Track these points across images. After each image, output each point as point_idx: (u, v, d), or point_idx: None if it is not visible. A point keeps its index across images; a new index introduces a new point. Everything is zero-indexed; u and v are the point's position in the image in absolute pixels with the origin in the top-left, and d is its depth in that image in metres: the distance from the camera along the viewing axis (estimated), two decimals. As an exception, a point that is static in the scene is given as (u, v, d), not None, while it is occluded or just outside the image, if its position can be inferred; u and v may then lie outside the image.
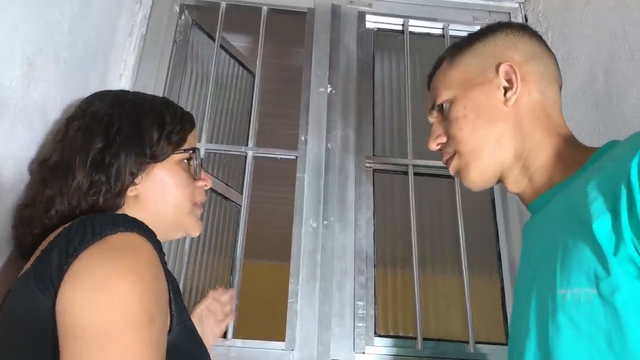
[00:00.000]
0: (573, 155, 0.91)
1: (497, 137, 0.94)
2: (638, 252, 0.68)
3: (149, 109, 1.01)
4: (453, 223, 1.63)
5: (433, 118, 1.04)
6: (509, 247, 1.60)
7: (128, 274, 0.76)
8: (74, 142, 0.96)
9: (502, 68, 0.95)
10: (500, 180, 0.98)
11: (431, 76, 1.07)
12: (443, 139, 1.00)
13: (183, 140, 1.03)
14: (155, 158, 0.97)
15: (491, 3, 1.89)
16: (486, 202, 1.70)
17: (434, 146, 1.03)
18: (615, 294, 0.69)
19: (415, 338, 1.45)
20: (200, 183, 1.06)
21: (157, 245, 0.85)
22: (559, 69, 1.01)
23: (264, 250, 3.60)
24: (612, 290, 0.70)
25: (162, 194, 0.99)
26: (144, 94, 1.08)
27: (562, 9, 1.68)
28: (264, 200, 3.66)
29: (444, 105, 1.00)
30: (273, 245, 3.20)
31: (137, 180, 0.96)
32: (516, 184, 0.96)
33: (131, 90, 1.22)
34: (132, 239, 0.81)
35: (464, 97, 0.96)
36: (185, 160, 1.03)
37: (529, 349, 0.83)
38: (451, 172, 1.01)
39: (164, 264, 0.85)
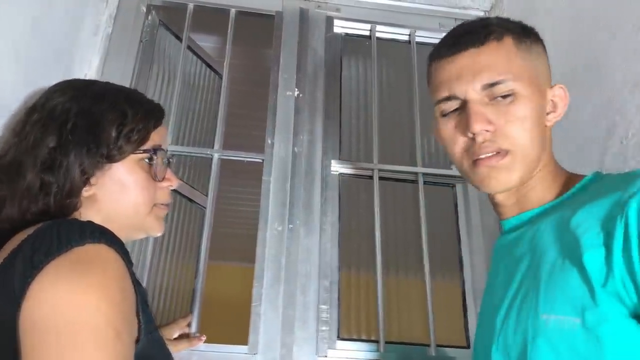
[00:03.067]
0: (560, 179, 0.92)
1: (541, 152, 0.90)
2: (625, 290, 0.69)
3: (109, 105, 0.97)
4: (416, 227, 1.65)
5: (475, 93, 0.88)
6: (471, 251, 1.63)
7: (94, 289, 0.74)
8: (28, 140, 0.93)
9: (558, 90, 0.93)
10: None
11: (484, 38, 0.90)
12: (492, 127, 0.87)
13: (145, 138, 0.99)
14: (112, 157, 0.94)
15: (457, 10, 1.91)
16: (449, 206, 1.73)
17: (478, 128, 0.86)
18: (600, 326, 0.71)
19: (377, 341, 1.46)
20: (164, 184, 1.03)
21: (125, 255, 0.83)
22: None
23: (231, 252, 3.58)
24: (598, 321, 0.71)
25: (120, 195, 0.96)
26: (111, 86, 1.04)
27: (525, 17, 1.71)
28: (232, 201, 3.64)
29: (503, 89, 0.87)
30: (240, 246, 3.19)
31: (92, 181, 0.93)
32: (506, 197, 0.94)
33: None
34: (100, 251, 0.79)
35: (530, 98, 0.88)
36: (147, 160, 1.00)
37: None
38: (486, 167, 0.88)
39: (132, 273, 0.84)
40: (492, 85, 0.88)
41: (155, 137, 1.02)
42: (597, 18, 1.37)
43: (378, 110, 1.78)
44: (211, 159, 1.65)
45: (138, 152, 0.98)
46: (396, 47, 1.97)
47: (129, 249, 0.87)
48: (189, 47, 1.88)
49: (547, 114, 0.91)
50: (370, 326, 1.67)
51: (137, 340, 0.82)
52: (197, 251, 1.56)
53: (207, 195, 1.61)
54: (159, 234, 1.05)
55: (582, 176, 0.90)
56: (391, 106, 1.94)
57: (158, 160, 1.02)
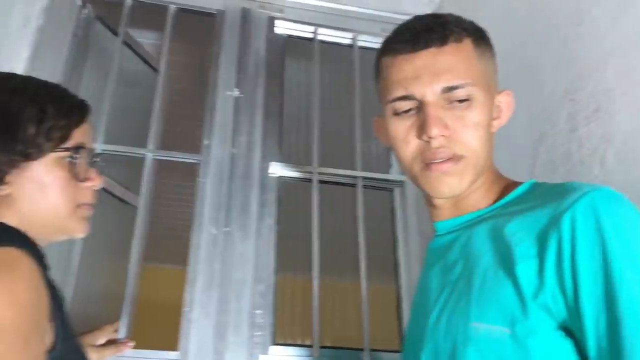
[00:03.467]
0: (497, 186, 0.91)
1: (488, 162, 0.90)
2: (555, 303, 0.70)
3: (29, 100, 0.92)
4: (354, 231, 1.65)
5: (434, 96, 0.85)
6: (407, 255, 1.64)
7: (2, 295, 0.71)
8: None
9: (505, 96, 0.92)
10: None
11: (443, 38, 0.86)
12: (448, 132, 0.84)
13: (66, 136, 0.94)
14: (29, 155, 0.89)
15: (399, 16, 1.92)
16: (386, 211, 1.73)
17: (435, 132, 0.83)
18: (529, 337, 0.71)
19: (312, 346, 1.45)
20: (87, 184, 0.99)
21: (38, 258, 0.79)
22: None
23: (169, 254, 3.51)
24: (527, 333, 0.71)
25: (39, 195, 0.91)
26: (31, 80, 0.99)
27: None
28: (170, 201, 3.57)
29: (461, 94, 0.85)
30: (178, 248, 3.12)
31: (7, 179, 0.88)
32: (444, 200, 0.92)
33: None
34: (9, 254, 0.76)
35: (485, 104, 0.86)
36: (69, 158, 0.95)
37: None
38: (439, 172, 0.86)
39: (47, 278, 0.80)
40: (452, 89, 0.85)
41: (78, 135, 0.97)
42: (531, 28, 1.41)
43: (319, 114, 1.77)
44: (144, 159, 1.59)
45: (59, 150, 0.93)
46: (339, 50, 1.97)
47: (52, 255, 0.83)
48: (125, 43, 1.82)
49: (493, 119, 0.90)
50: (306, 331, 1.66)
51: (53, 348, 0.78)
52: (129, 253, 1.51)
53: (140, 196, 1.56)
54: (83, 235, 1.00)
55: (519, 184, 0.90)
56: (332, 109, 1.93)
57: (81, 159, 0.97)
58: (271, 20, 1.87)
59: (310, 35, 1.91)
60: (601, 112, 1.12)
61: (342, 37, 1.93)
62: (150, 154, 1.60)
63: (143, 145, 1.63)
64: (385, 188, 1.76)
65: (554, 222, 0.72)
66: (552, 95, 1.28)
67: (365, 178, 1.71)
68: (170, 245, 3.45)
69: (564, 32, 1.28)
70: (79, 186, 0.97)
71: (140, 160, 1.62)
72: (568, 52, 1.25)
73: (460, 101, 0.85)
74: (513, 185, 0.91)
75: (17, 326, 0.70)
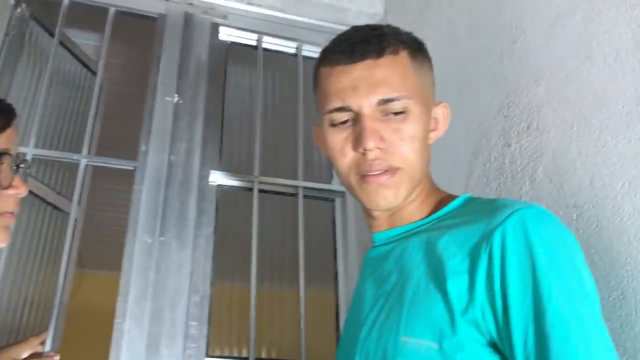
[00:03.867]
0: (433, 198, 0.91)
1: (424, 174, 0.90)
2: (484, 319, 0.70)
3: None
4: (294, 240, 1.64)
5: (370, 108, 0.84)
6: (346, 265, 1.64)
7: None
8: None
9: (442, 108, 0.92)
10: None
11: (380, 50, 0.86)
12: (384, 144, 0.84)
13: None
14: None
15: (342, 27, 1.92)
16: (327, 220, 1.73)
17: (371, 145, 0.82)
18: (457, 354, 0.71)
19: (247, 358, 1.43)
20: (10, 191, 0.94)
21: None
22: None
23: (104, 260, 3.41)
24: (455, 349, 0.71)
25: None
26: None
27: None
28: (107, 207, 3.47)
29: (397, 107, 0.84)
30: (113, 254, 3.05)
31: None
32: (383, 212, 0.92)
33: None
34: None
35: (421, 116, 0.86)
36: None
37: None
38: (376, 184, 0.85)
39: None
40: (388, 101, 0.84)
41: (2, 141, 0.93)
42: (471, 44, 1.44)
43: (261, 122, 1.75)
44: (78, 165, 1.54)
45: None
46: (283, 59, 1.96)
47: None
48: (62, 44, 1.76)
49: (430, 131, 0.90)
50: (242, 342, 1.64)
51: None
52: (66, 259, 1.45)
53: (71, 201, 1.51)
54: (3, 245, 0.95)
55: (454, 197, 0.90)
56: (275, 118, 1.92)
57: (4, 166, 0.93)
58: (214, 26, 1.85)
59: (254, 43, 1.90)
60: (532, 129, 1.15)
61: (287, 46, 1.93)
62: (84, 160, 1.54)
63: (79, 149, 1.57)
64: (327, 198, 1.76)
65: (486, 238, 0.73)
66: (488, 111, 1.31)
67: (306, 188, 1.70)
68: (107, 252, 3.35)
69: (500, 49, 1.31)
70: (1, 194, 0.93)
71: (75, 165, 1.56)
72: (503, 68, 1.29)
73: (396, 114, 0.84)
74: (448, 198, 0.91)
75: None
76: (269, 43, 1.91)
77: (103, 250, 3.58)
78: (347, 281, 1.62)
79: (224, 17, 1.87)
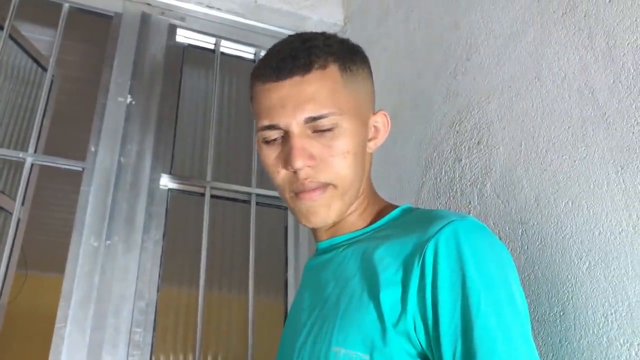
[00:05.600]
0: (374, 207, 0.92)
1: (360, 184, 0.89)
2: (415, 330, 0.71)
3: None
4: (245, 247, 1.62)
5: (298, 127, 0.82)
6: (297, 272, 1.63)
7: None
8: None
9: (381, 116, 0.91)
10: None
11: (306, 67, 0.83)
12: (313, 162, 0.83)
13: None
14: None
15: (302, 36, 1.94)
16: (279, 229, 1.72)
17: (300, 164, 0.81)
18: None
19: (193, 365, 1.40)
20: None
21: None
22: None
23: (49, 261, 3.30)
24: None
25: None
26: None
27: (364, 50, 1.78)
28: (54, 207, 3.37)
29: (326, 124, 0.83)
30: (60, 256, 2.96)
31: None
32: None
33: None
34: None
35: (354, 130, 0.85)
36: None
37: None
38: (308, 200, 0.84)
39: None
40: (316, 119, 0.82)
41: None
42: (427, 59, 1.46)
43: (216, 127, 1.74)
44: (23, 163, 1.49)
45: None
46: (241, 64, 1.95)
47: None
48: (11, 37, 1.70)
49: (369, 140, 0.90)
50: (188, 349, 1.61)
51: None
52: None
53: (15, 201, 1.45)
54: None
55: (395, 207, 0.91)
56: (231, 123, 1.91)
57: None
58: (172, 28, 1.82)
59: (212, 47, 1.88)
60: (482, 145, 1.17)
61: (245, 52, 1.92)
62: (30, 159, 1.49)
63: (27, 147, 1.52)
64: (279, 206, 1.75)
65: (419, 250, 0.73)
66: (441, 125, 1.33)
67: (260, 195, 1.69)
68: (53, 254, 3.25)
69: (454, 65, 1.33)
70: None
71: (20, 164, 1.51)
72: (457, 84, 1.31)
73: (326, 130, 0.83)
74: (388, 208, 0.92)
75: None
76: (227, 47, 1.90)
77: (49, 252, 3.47)
78: (297, 289, 1.62)
79: (182, 19, 1.85)
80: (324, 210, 0.84)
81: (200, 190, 1.64)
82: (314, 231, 0.95)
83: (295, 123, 0.82)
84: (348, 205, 0.87)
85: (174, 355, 1.62)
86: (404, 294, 0.72)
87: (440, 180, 1.29)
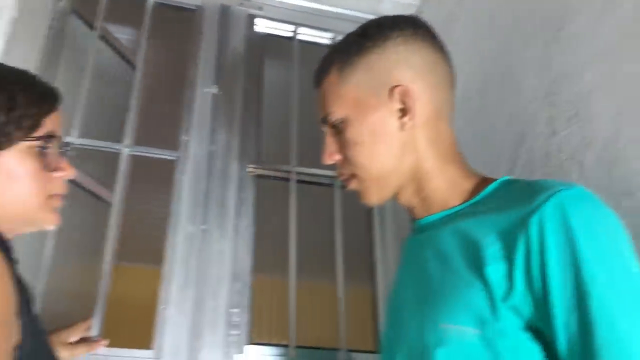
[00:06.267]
0: (465, 183, 0.90)
1: (395, 165, 0.90)
2: (525, 304, 0.70)
3: None
4: (331, 231, 1.64)
5: (325, 129, 0.95)
6: (384, 256, 1.64)
7: None
8: None
9: (397, 93, 0.88)
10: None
11: (318, 79, 0.97)
12: (338, 157, 0.93)
13: (36, 124, 0.91)
14: None
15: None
16: (364, 211, 1.73)
17: (328, 162, 0.95)
18: (498, 339, 0.71)
19: (288, 346, 1.44)
20: (58, 173, 0.95)
21: (6, 252, 0.76)
22: (452, 70, 0.96)
23: (138, 253, 3.44)
24: (496, 335, 0.71)
25: (8, 186, 0.87)
26: (1, 67, 0.94)
27: (443, 28, 1.75)
28: (140, 199, 3.50)
29: (333, 121, 0.92)
30: (149, 247, 3.06)
31: None
32: (408, 201, 0.93)
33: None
34: None
35: (359, 120, 0.89)
36: (40, 148, 0.91)
37: None
38: (349, 188, 0.95)
39: (15, 272, 0.77)
40: (325, 120, 0.94)
41: (49, 124, 0.93)
42: (513, 30, 1.42)
43: (298, 112, 1.76)
44: (119, 154, 1.56)
45: (29, 139, 0.90)
46: (319, 50, 1.96)
47: (22, 251, 0.80)
48: (102, 37, 1.79)
49: (400, 118, 0.89)
50: (282, 330, 1.64)
51: (20, 344, 0.75)
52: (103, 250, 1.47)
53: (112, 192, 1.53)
54: (53, 227, 0.97)
55: (492, 180, 0.89)
56: (312, 109, 1.92)
57: (52, 148, 0.94)
58: (250, 18, 1.86)
59: (290, 34, 1.90)
60: (580, 116, 1.13)
61: (322, 37, 1.93)
62: (126, 149, 1.56)
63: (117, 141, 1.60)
64: (363, 189, 1.76)
65: (522, 223, 0.72)
66: (533, 99, 1.30)
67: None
68: (139, 245, 3.39)
69: (544, 36, 1.29)
70: (49, 176, 0.94)
71: (115, 156, 1.59)
72: (549, 56, 1.27)
73: (338, 128, 0.92)
74: (486, 182, 0.90)
75: None
76: (305, 34, 1.92)
77: (130, 243, 3.59)
78: (385, 274, 1.62)
79: (260, 8, 1.88)
80: (366, 194, 0.93)
81: (286, 175, 1.67)
82: (409, 210, 0.96)
83: (321, 124, 0.96)
84: (393, 187, 0.91)
85: (269, 337, 1.67)
86: (510, 269, 0.72)
87: (535, 154, 1.26)
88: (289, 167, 1.67)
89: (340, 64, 0.92)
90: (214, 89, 1.69)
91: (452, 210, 0.89)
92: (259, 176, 1.65)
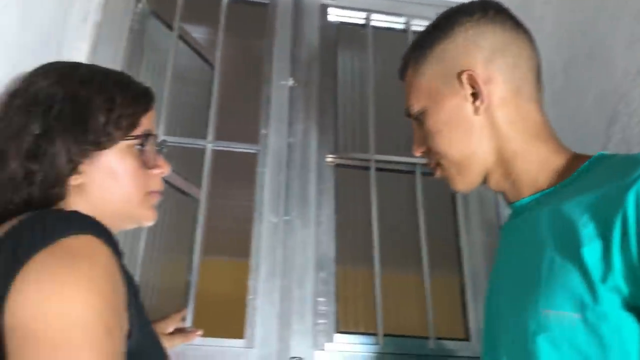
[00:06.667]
0: (556, 162, 0.87)
1: (474, 150, 0.91)
2: (626, 283, 0.67)
3: (97, 89, 0.92)
4: (414, 219, 1.62)
5: (412, 122, 1.02)
6: (470, 243, 1.60)
7: (83, 283, 0.70)
8: (11, 126, 0.88)
9: (464, 78, 0.90)
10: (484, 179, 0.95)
11: (401, 75, 1.03)
12: (423, 149, 1.00)
13: (135, 124, 0.94)
14: (100, 145, 0.89)
15: (452, 1, 1.88)
16: (447, 198, 1.70)
17: (417, 154, 1.02)
18: (601, 323, 0.69)
19: (376, 334, 1.43)
20: (155, 171, 0.99)
21: (114, 246, 0.79)
22: (534, 47, 0.94)
23: (219, 246, 3.53)
24: (598, 319, 0.69)
25: (110, 183, 0.91)
26: (97, 69, 0.98)
27: (523, 6, 1.69)
28: (224, 194, 3.59)
29: (413, 114, 0.98)
30: (230, 240, 3.14)
31: (80, 169, 0.88)
32: (498, 185, 0.93)
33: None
34: (87, 242, 0.75)
35: (435, 110, 0.93)
36: (138, 146, 0.95)
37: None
38: (438, 177, 1.00)
39: (121, 265, 0.80)
40: (408, 112, 1.01)
41: (146, 122, 0.97)
42: (599, 6, 1.35)
43: (374, 100, 1.74)
44: (204, 150, 1.61)
45: (128, 138, 0.94)
46: (392, 36, 1.94)
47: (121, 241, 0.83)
48: (180, 37, 1.83)
49: (473, 103, 0.90)
50: (368, 319, 1.64)
51: (129, 335, 0.79)
52: (190, 245, 1.52)
53: (199, 188, 1.57)
54: (151, 223, 1.01)
55: (586, 158, 0.86)
56: (388, 96, 1.90)
57: (149, 146, 0.97)
58: (323, 8, 1.86)
59: (363, 22, 1.89)
60: (682, 88, 1.06)
61: (396, 22, 1.90)
62: (210, 145, 1.60)
63: (197, 137, 1.65)
64: (445, 175, 1.73)
65: (618, 198, 0.69)
66: (626, 73, 1.23)
67: (424, 165, 1.67)
68: (221, 238, 3.48)
69: (636, 7, 1.22)
70: (148, 173, 0.97)
71: (197, 152, 1.63)
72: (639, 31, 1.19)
73: (419, 119, 0.98)
74: (580, 159, 0.86)
75: (100, 315, 0.70)
76: (378, 20, 1.90)
77: (211, 237, 3.69)
78: (472, 260, 1.58)
79: (332, -3, 1.87)
80: (452, 181, 0.97)
81: (365, 164, 1.67)
82: (503, 195, 0.95)
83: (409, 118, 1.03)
84: (477, 172, 0.92)
85: (355, 327, 1.67)
86: (606, 248, 0.69)
87: (630, 132, 1.19)
88: (368, 155, 1.66)
89: (415, 58, 0.97)
90: (290, 82, 1.71)
91: (545, 192, 0.86)
92: (338, 165, 1.65)
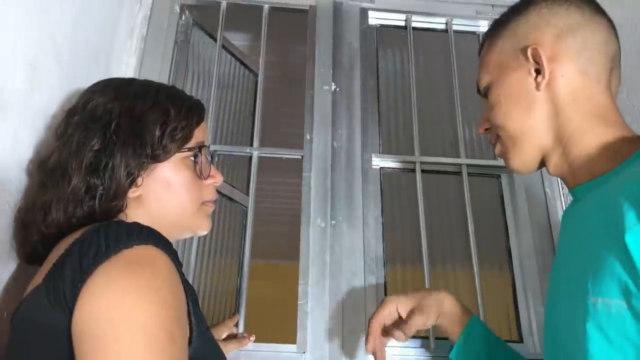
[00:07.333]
0: (618, 145, 0.85)
1: (532, 125, 0.91)
2: None
3: (152, 104, 0.96)
4: (462, 218, 1.61)
5: (480, 100, 1.04)
6: (519, 243, 1.58)
7: (146, 291, 0.73)
8: (71, 142, 0.92)
9: (529, 53, 0.90)
10: (544, 163, 0.95)
11: (479, 54, 1.06)
12: (487, 124, 1.01)
13: (188, 136, 0.98)
14: (157, 157, 0.93)
15: (494, -2, 1.87)
16: (495, 197, 1.68)
17: (481, 131, 1.03)
18: None
19: (427, 337, 1.43)
20: (209, 181, 1.02)
21: (173, 256, 0.82)
22: (612, 34, 0.92)
23: (265, 250, 3.57)
24: None
25: (167, 195, 0.95)
26: (150, 84, 1.02)
27: None
28: (264, 199, 3.63)
29: (482, 89, 1.00)
30: (277, 245, 3.17)
31: (138, 182, 0.92)
32: (556, 168, 0.92)
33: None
34: (149, 252, 0.77)
35: (499, 83, 0.95)
36: (192, 158, 0.99)
37: (559, 353, 0.82)
38: (497, 154, 1.01)
39: (181, 274, 0.83)
40: (478, 89, 1.03)
41: (198, 134, 1.01)
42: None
43: (417, 102, 1.74)
44: (250, 157, 1.63)
45: (183, 150, 0.97)
46: (433, 36, 1.93)
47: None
48: (223, 46, 1.87)
49: (536, 78, 0.90)
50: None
51: (190, 342, 0.80)
52: (240, 250, 1.55)
53: (246, 194, 1.60)
54: (206, 232, 1.04)
55: None
56: (431, 97, 1.90)
57: (202, 157, 1.00)
58: (363, 12, 1.86)
59: (403, 24, 1.88)
60: None
61: (436, 23, 1.89)
62: (256, 152, 1.63)
63: (242, 145, 1.67)
64: (491, 175, 1.71)
65: None
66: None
67: (470, 165, 1.66)
68: (262, 242, 3.51)
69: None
70: (202, 184, 1.00)
71: (242, 160, 1.66)
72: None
73: (486, 95, 0.99)
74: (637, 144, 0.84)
75: (163, 323, 0.72)
76: (418, 21, 1.89)
77: (258, 241, 3.73)
78: (522, 260, 1.56)
79: (371, 1, 1.88)
80: (508, 158, 0.97)
81: (410, 166, 1.66)
82: (564, 182, 0.93)
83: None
84: (534, 149, 0.92)
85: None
86: None
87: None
88: (413, 157, 1.66)
89: (491, 35, 1.00)
90: (332, 86, 1.71)
91: (603, 176, 0.84)
92: (383, 168, 1.65)
